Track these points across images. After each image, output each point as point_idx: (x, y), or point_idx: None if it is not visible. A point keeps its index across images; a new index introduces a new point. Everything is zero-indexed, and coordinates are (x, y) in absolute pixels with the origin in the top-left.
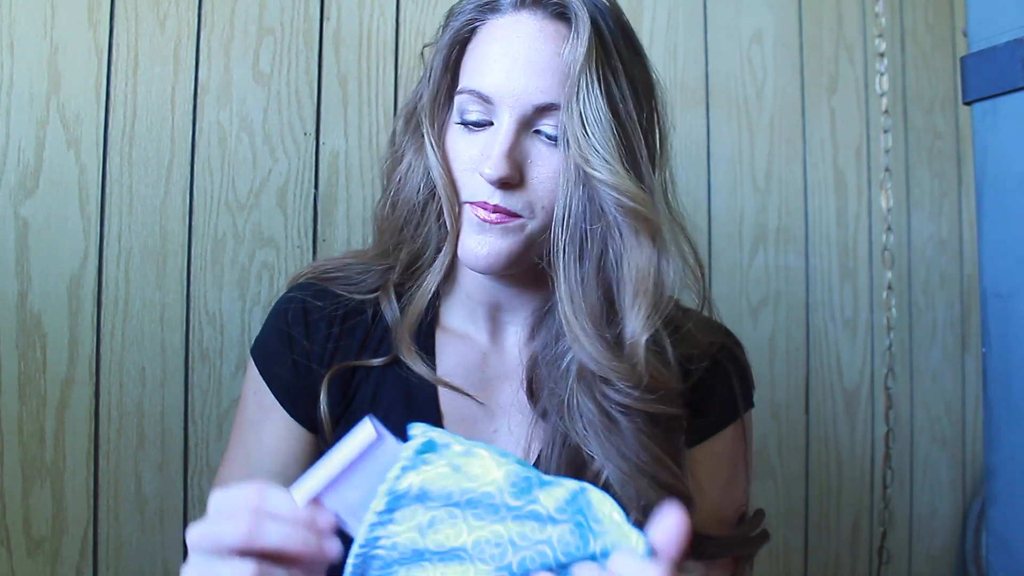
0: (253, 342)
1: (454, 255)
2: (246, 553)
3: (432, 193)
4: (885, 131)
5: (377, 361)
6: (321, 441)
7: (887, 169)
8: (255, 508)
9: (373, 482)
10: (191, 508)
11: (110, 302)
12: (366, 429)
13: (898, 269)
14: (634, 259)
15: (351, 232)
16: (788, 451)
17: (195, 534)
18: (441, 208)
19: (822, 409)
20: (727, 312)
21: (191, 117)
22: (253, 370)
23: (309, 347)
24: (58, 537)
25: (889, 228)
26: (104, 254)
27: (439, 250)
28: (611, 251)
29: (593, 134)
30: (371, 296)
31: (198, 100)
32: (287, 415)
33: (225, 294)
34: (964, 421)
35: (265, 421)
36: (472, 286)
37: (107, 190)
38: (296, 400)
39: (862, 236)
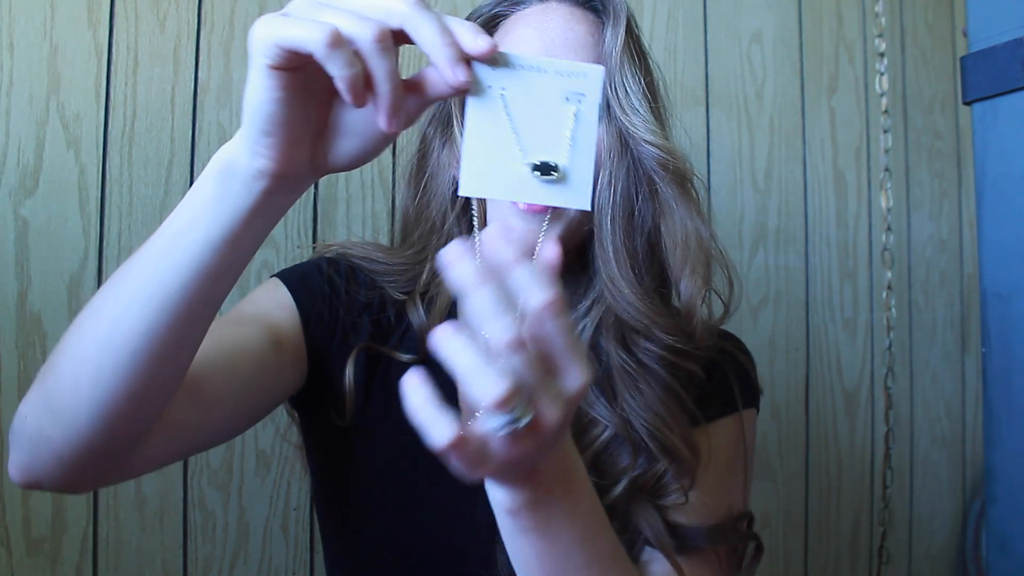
0: (279, 271)
1: None
2: (379, 43)
3: None
4: (885, 131)
5: (406, 357)
6: (315, 390)
7: (887, 169)
8: None
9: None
10: (191, 508)
11: None
12: (598, 67)
13: (898, 269)
14: (678, 219)
15: (351, 232)
16: (788, 451)
17: None
18: (468, 204)
19: (822, 409)
20: None
21: (191, 117)
22: (270, 284)
23: (348, 300)
24: (58, 537)
25: (889, 228)
26: (104, 254)
27: None
28: (655, 213)
29: (637, 101)
30: (399, 298)
31: (198, 100)
32: (297, 317)
33: None
34: (964, 421)
35: (271, 302)
36: None
37: (107, 190)
38: (315, 325)
39: (862, 236)
